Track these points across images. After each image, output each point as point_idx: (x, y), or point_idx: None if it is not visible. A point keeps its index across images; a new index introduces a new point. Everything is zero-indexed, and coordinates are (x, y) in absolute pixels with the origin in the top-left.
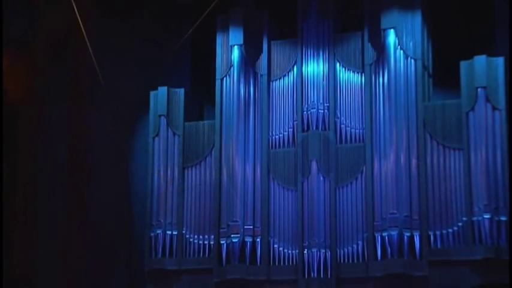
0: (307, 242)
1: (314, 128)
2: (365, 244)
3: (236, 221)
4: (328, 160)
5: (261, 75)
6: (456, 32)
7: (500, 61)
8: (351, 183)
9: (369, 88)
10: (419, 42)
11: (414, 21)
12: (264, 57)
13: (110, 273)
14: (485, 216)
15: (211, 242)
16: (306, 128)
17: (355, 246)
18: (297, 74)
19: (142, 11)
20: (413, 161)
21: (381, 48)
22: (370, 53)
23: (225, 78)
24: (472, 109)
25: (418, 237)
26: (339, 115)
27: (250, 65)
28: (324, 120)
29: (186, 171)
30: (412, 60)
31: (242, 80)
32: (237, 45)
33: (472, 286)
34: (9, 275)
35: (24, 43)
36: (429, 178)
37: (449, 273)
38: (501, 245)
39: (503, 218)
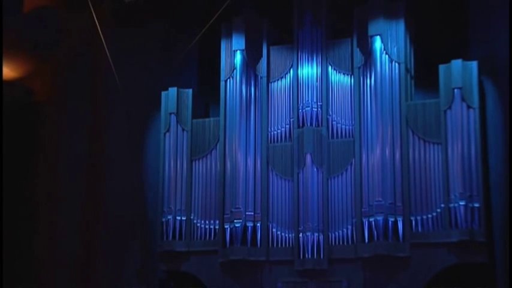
0: (302, 227)
1: (308, 124)
2: (354, 228)
3: (239, 208)
4: (321, 153)
5: (261, 77)
6: (435, 38)
7: (474, 64)
8: (342, 174)
9: (358, 89)
10: (402, 47)
11: (398, 29)
12: (263, 61)
13: (126, 254)
14: (461, 203)
15: (217, 227)
16: (301, 125)
17: (345, 230)
18: (293, 76)
19: (155, 20)
20: (397, 154)
21: (368, 53)
22: (358, 58)
23: (228, 80)
24: (450, 108)
25: (401, 222)
26: (330, 113)
27: (251, 68)
28: (317, 118)
29: (193, 163)
30: (396, 64)
31: (244, 81)
32: (239, 50)
33: (449, 265)
34: (32, 261)
35: (50, 48)
36: (411, 169)
37: (428, 254)
38: (474, 229)
39: (476, 205)
